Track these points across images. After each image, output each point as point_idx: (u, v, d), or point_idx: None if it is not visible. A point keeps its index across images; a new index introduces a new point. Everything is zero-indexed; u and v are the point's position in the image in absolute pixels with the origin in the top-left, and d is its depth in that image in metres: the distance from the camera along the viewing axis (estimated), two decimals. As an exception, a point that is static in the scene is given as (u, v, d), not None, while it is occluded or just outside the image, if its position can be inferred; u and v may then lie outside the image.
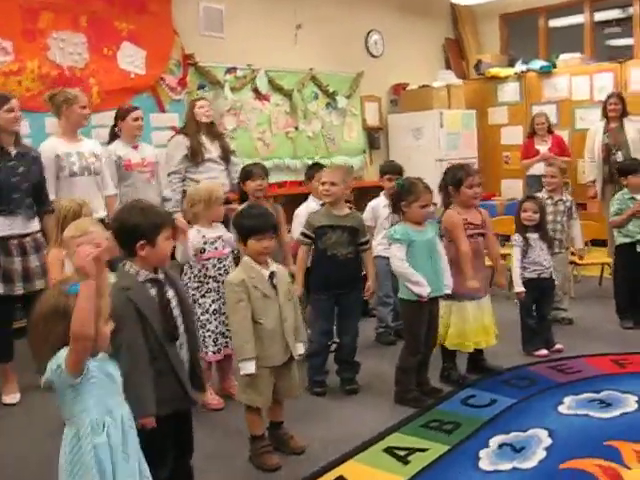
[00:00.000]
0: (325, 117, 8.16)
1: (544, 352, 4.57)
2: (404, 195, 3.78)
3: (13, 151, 4.15)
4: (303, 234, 4.05)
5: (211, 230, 3.89)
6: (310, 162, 7.73)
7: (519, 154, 8.18)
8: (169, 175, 5.44)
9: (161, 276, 2.59)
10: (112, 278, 2.78)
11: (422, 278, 3.68)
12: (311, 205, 4.75)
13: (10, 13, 5.64)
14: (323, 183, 4.02)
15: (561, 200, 5.22)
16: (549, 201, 5.17)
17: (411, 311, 3.80)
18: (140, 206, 2.60)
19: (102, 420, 2.06)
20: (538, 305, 4.69)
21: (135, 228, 2.50)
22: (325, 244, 3.97)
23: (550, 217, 5.09)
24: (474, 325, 4.06)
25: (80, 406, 2.04)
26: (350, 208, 4.23)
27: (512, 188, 9.07)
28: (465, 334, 4.05)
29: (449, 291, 3.87)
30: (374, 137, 8.80)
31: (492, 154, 9.36)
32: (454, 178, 4.07)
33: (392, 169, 5.05)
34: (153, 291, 2.55)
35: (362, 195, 6.89)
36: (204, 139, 5.57)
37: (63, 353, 1.97)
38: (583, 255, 5.59)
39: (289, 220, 4.95)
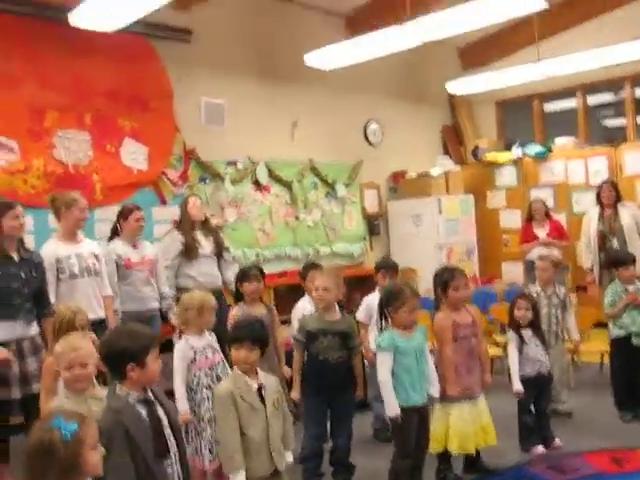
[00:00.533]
0: (325, 206, 8.31)
1: (541, 450, 4.53)
2: (391, 300, 3.84)
3: (16, 257, 4.23)
4: (295, 338, 4.10)
5: (200, 339, 3.93)
6: (310, 250, 7.92)
7: (518, 237, 8.28)
8: (165, 269, 5.55)
9: (150, 395, 2.64)
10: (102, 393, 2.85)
11: (395, 400, 3.69)
12: (307, 307, 4.79)
13: (17, 113, 5.85)
14: (317, 288, 4.09)
15: (555, 293, 5.26)
16: (543, 294, 5.22)
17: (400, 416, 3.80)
18: (127, 330, 2.68)
19: None
20: (536, 401, 4.68)
21: (124, 352, 2.57)
22: (317, 348, 4.02)
23: (544, 310, 5.12)
24: (473, 426, 4.06)
25: None
26: (342, 307, 4.26)
27: (513, 271, 9.14)
28: (466, 436, 4.03)
29: (436, 395, 3.89)
30: (374, 224, 8.94)
31: (492, 237, 9.47)
32: (440, 281, 4.14)
33: (387, 265, 5.12)
34: (144, 412, 2.59)
35: (362, 281, 6.99)
36: (198, 235, 5.71)
37: None
38: (579, 346, 5.60)
39: (289, 311, 5.03)
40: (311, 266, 5.26)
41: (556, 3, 7.99)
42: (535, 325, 4.73)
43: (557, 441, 4.65)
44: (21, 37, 5.90)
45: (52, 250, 4.65)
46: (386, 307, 3.86)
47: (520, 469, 4.32)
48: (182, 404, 3.71)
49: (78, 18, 5.36)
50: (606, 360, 6.31)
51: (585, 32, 8.95)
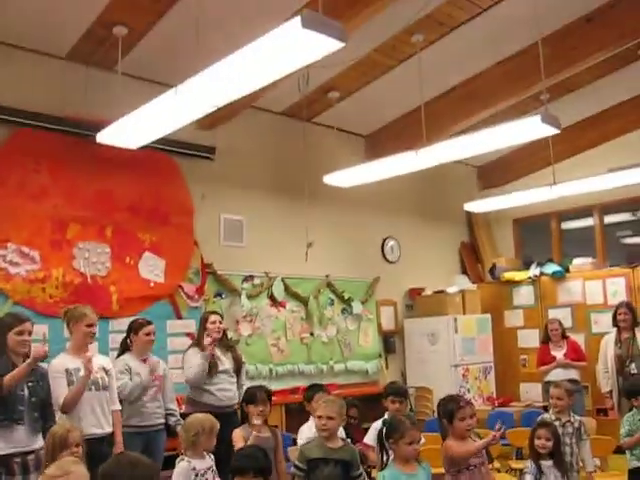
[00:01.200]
0: (340, 322, 8.30)
1: None
2: (391, 433, 3.79)
3: (22, 366, 4.27)
4: (296, 466, 4.03)
5: (202, 461, 3.90)
6: (324, 367, 7.87)
7: (536, 357, 8.18)
8: (190, 378, 5.54)
9: None
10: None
11: None
12: (313, 430, 4.72)
13: (40, 225, 6.04)
14: (319, 417, 4.04)
15: (569, 421, 5.14)
16: (557, 422, 5.10)
17: None
18: (129, 460, 2.65)
19: None
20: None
21: None
22: (317, 478, 3.93)
23: (559, 439, 5.00)
24: None
25: None
26: (344, 440, 4.21)
27: (530, 392, 8.98)
28: None
29: None
30: (390, 341, 8.90)
31: (509, 357, 9.36)
32: (446, 411, 4.08)
33: (396, 391, 5.06)
34: None
35: (377, 399, 6.88)
36: (217, 351, 5.70)
37: None
38: (591, 477, 5.41)
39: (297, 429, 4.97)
40: (315, 387, 5.22)
41: (569, 127, 8.22)
42: (556, 455, 4.59)
43: None
44: (50, 152, 6.16)
45: (62, 362, 4.67)
46: (386, 439, 3.81)
47: None
48: None
49: (105, 136, 5.56)
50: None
51: (598, 153, 9.17)
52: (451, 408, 4.04)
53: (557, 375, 7.71)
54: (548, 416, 5.19)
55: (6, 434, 4.11)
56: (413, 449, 3.75)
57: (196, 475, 3.82)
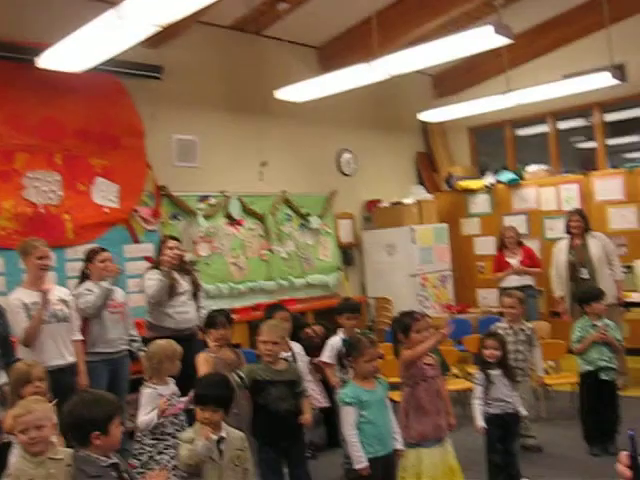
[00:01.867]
0: (299, 237, 8.34)
1: None
2: (350, 351, 3.87)
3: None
4: (241, 378, 4.10)
5: (166, 387, 3.98)
6: (285, 283, 7.95)
7: (492, 265, 8.34)
8: (149, 302, 5.57)
9: (116, 459, 2.67)
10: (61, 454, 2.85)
11: (362, 453, 3.70)
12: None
13: (-15, 156, 5.86)
14: (264, 342, 4.11)
15: (521, 329, 5.31)
16: (510, 331, 5.27)
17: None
18: (91, 398, 2.69)
19: None
20: (504, 440, 4.70)
21: (89, 421, 2.59)
22: (266, 400, 4.02)
23: (511, 347, 5.15)
24: (442, 469, 4.06)
25: None
26: (286, 360, 4.31)
27: (488, 298, 9.20)
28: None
29: (400, 446, 3.92)
30: (348, 254, 8.98)
31: (466, 265, 9.55)
32: (402, 325, 4.16)
33: (349, 308, 5.13)
34: (114, 474, 2.63)
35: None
36: (176, 275, 5.70)
37: None
38: (541, 383, 5.61)
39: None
40: (276, 307, 5.29)
41: (523, 34, 8.14)
42: (504, 364, 4.76)
43: (525, 480, 4.69)
44: (-11, 79, 5.93)
45: (19, 297, 4.67)
46: (345, 358, 3.90)
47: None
48: None
49: (47, 60, 5.36)
50: (577, 389, 6.39)
51: (552, 60, 9.13)
52: (407, 322, 4.12)
53: (512, 281, 7.89)
54: (501, 324, 5.34)
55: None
56: (372, 367, 3.85)
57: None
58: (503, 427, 4.63)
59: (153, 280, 5.54)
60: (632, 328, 7.65)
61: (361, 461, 3.71)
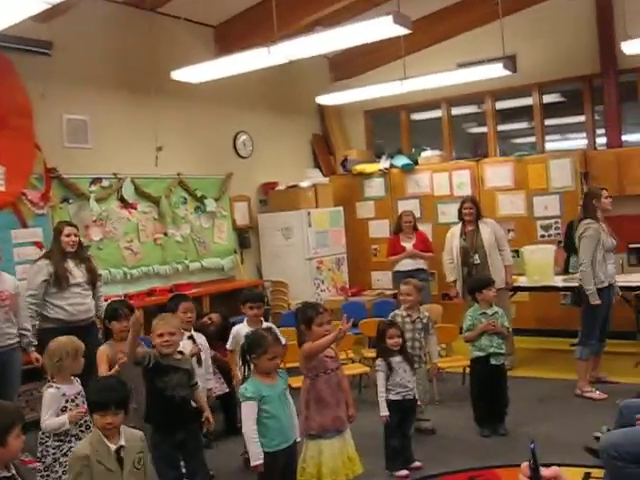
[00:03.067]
0: (194, 221, 8.20)
1: (405, 473, 4.69)
2: (253, 347, 3.85)
3: None
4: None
5: (70, 386, 3.86)
6: (180, 267, 7.83)
7: (386, 247, 8.49)
8: (28, 297, 5.34)
9: (13, 471, 2.57)
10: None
11: (259, 450, 3.70)
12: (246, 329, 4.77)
13: None
14: (161, 335, 4.02)
15: (419, 317, 5.43)
16: (408, 319, 5.38)
17: (265, 463, 3.77)
18: None
19: None
20: (401, 424, 4.83)
21: None
22: (165, 384, 3.95)
23: (409, 335, 5.28)
24: (341, 459, 4.12)
25: None
26: (181, 353, 4.26)
27: (382, 280, 9.39)
28: (337, 470, 4.07)
29: (299, 438, 3.96)
30: (244, 237, 8.92)
31: (361, 248, 9.68)
32: (305, 317, 4.17)
33: (253, 297, 5.10)
34: None
35: (233, 295, 6.99)
36: (70, 264, 5.51)
37: None
38: (436, 369, 5.76)
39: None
40: (178, 297, 5.22)
41: (420, 20, 8.24)
42: (403, 351, 4.88)
43: (417, 463, 4.82)
44: None
45: None
46: (248, 354, 3.87)
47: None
48: None
49: None
50: (468, 372, 6.62)
51: (448, 47, 9.36)
52: (310, 314, 4.13)
53: (406, 265, 8.10)
54: (399, 312, 5.45)
55: None
56: (275, 364, 3.85)
57: (67, 401, 3.77)
58: (402, 412, 4.76)
59: (35, 282, 5.36)
60: (518, 310, 8.00)
61: (258, 458, 3.70)
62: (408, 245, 8.17)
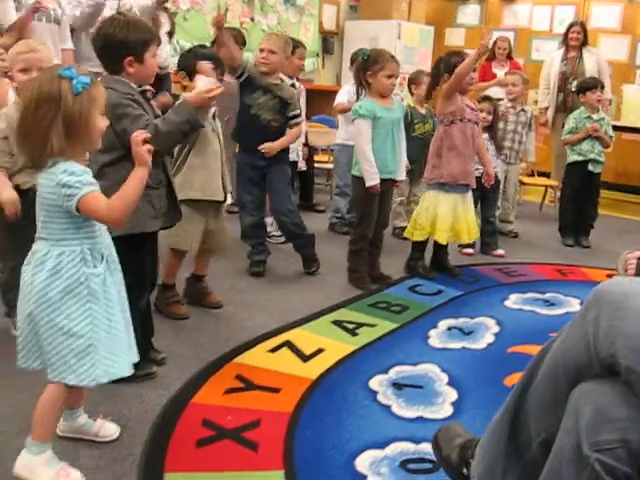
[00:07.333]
0: (282, 13, 7.82)
1: (470, 251, 4.64)
2: (369, 65, 3.61)
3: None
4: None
5: None
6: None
7: (477, 74, 8.09)
8: None
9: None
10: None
11: (375, 169, 3.56)
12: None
13: None
14: (261, 50, 3.76)
15: (523, 110, 5.17)
16: (512, 110, 5.12)
17: (363, 188, 3.66)
18: (125, 20, 2.36)
19: (97, 253, 1.88)
20: (481, 207, 4.73)
21: (122, 44, 2.28)
22: (252, 100, 3.74)
23: (511, 127, 5.07)
24: (456, 217, 3.93)
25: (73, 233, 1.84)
26: (282, 80, 4.02)
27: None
28: (453, 227, 3.92)
29: (402, 177, 3.83)
30: (329, 42, 8.53)
31: (444, 75, 9.26)
32: (448, 65, 3.83)
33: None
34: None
35: (313, 98, 6.74)
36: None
37: (70, 168, 1.78)
38: (533, 168, 5.55)
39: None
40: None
41: None
42: (492, 130, 4.65)
43: (500, 251, 4.70)
44: None
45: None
46: (364, 72, 3.64)
47: (467, 268, 4.34)
48: None
49: None
50: (547, 200, 6.43)
51: None
52: (455, 61, 3.77)
53: (495, 93, 7.70)
54: (504, 102, 5.19)
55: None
56: (391, 83, 3.64)
57: None
58: (480, 190, 4.39)
59: None
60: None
61: (374, 178, 3.57)
62: (500, 73, 7.73)
